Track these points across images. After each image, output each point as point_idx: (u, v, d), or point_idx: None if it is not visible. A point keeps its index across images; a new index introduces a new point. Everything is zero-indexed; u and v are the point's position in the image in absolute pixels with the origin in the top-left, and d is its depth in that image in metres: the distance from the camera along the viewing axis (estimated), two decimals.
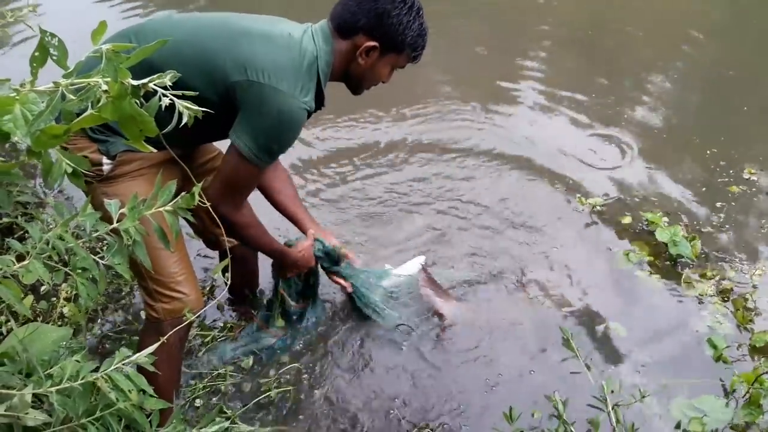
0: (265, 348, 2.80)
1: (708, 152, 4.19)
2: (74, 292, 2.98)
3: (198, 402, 2.58)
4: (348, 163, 4.14)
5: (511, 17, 6.48)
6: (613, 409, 2.29)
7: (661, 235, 3.28)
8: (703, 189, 3.88)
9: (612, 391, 2.19)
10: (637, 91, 5.05)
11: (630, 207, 3.70)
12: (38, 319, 2.84)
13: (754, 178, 3.92)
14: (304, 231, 2.63)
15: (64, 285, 3.01)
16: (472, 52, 5.77)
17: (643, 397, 2.37)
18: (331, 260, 2.68)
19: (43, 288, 3.02)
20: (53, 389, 1.37)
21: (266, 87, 1.87)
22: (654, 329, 2.91)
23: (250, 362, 2.77)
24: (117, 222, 1.46)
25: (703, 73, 5.42)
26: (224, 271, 2.18)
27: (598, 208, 3.65)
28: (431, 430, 2.47)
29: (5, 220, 3.30)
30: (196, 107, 1.13)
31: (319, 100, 2.08)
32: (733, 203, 3.74)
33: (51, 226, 1.49)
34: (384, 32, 2.03)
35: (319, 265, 2.70)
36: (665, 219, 3.47)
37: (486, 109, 4.79)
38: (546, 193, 3.86)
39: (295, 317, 2.85)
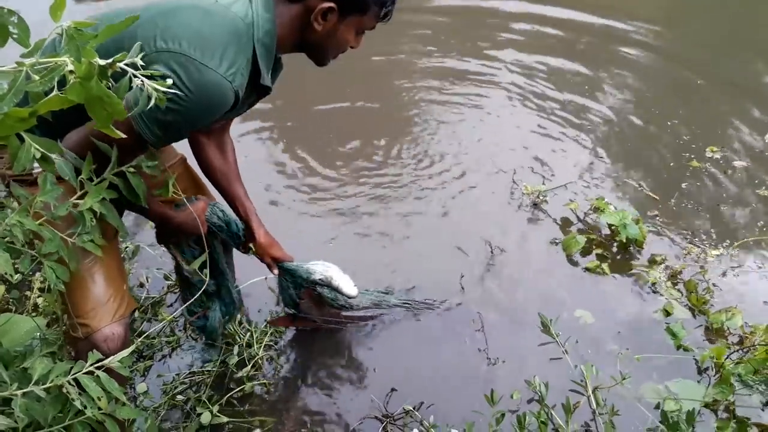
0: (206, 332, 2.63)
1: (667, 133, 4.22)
2: (48, 282, 2.88)
3: (179, 398, 2.48)
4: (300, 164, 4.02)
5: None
6: (593, 392, 2.28)
7: (610, 219, 3.18)
8: (645, 172, 3.89)
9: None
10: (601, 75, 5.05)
11: (575, 193, 3.65)
12: (11, 310, 2.74)
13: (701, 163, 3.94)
14: (237, 212, 2.32)
15: (37, 275, 2.93)
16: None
17: (624, 379, 2.36)
18: (232, 237, 2.33)
19: (15, 277, 2.92)
20: (18, 392, 1.28)
21: (177, 54, 1.51)
22: (614, 316, 2.86)
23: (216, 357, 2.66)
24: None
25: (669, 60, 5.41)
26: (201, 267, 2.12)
27: (542, 196, 3.54)
28: (411, 416, 2.42)
29: None
30: (167, 88, 1.05)
31: (261, 78, 1.77)
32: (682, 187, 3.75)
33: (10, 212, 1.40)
34: None
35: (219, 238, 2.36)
36: (611, 205, 3.36)
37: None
38: (490, 184, 3.77)
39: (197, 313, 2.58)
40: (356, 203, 3.60)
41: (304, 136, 4.26)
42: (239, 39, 1.62)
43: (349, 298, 2.53)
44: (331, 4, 1.69)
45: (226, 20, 1.61)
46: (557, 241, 3.29)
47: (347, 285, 2.50)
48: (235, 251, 2.51)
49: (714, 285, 3.00)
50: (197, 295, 2.33)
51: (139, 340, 2.30)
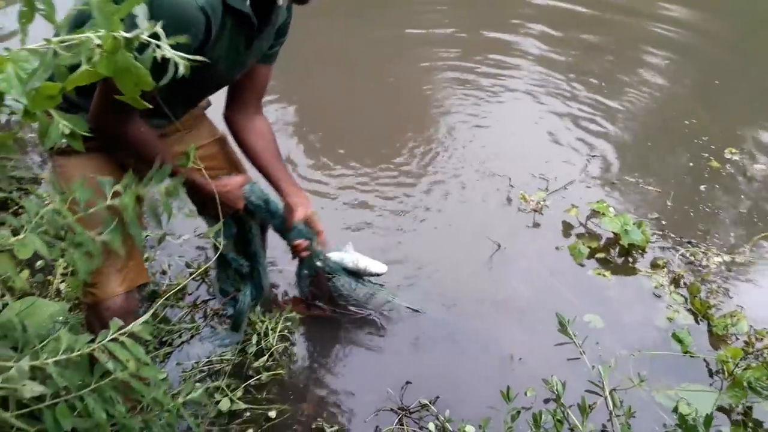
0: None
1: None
2: (71, 268, 2.92)
3: (198, 385, 2.50)
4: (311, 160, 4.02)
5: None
6: (610, 393, 2.27)
7: (612, 225, 3.15)
8: (645, 175, 3.85)
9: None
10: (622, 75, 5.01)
11: (575, 198, 3.59)
12: (34, 294, 2.78)
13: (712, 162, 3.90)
14: (279, 191, 2.32)
15: (60, 260, 2.96)
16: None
17: (642, 381, 2.35)
18: (272, 216, 2.34)
19: (38, 263, 2.96)
20: (50, 361, 1.33)
21: None
22: (620, 321, 2.84)
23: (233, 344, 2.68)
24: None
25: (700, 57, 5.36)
26: (216, 236, 2.11)
27: (542, 203, 3.49)
28: (426, 409, 2.42)
29: (0, 194, 3.26)
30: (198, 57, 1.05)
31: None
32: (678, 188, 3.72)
33: (47, 201, 1.44)
34: None
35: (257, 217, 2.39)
36: (611, 208, 3.33)
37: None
38: (492, 190, 3.72)
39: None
40: (359, 202, 3.59)
41: (313, 131, 4.28)
42: None
43: (379, 275, 2.61)
44: None
45: None
46: (561, 246, 3.25)
47: (374, 264, 2.58)
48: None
49: (718, 288, 2.98)
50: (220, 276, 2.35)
51: (158, 302, 2.32)
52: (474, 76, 5.00)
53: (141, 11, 0.98)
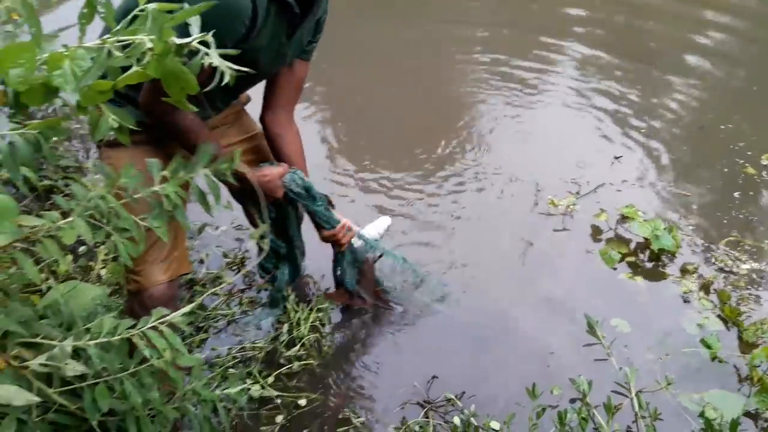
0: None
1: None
2: (112, 255, 3.00)
3: (231, 371, 2.56)
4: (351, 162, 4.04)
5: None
6: (636, 395, 2.28)
7: (642, 229, 3.14)
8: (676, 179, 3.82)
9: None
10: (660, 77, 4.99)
11: (604, 203, 3.54)
12: (76, 278, 2.86)
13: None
14: None
15: (101, 247, 3.05)
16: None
17: (669, 384, 2.36)
18: (313, 200, 2.39)
19: (81, 249, 3.05)
20: (92, 342, 1.39)
21: None
22: (649, 326, 2.82)
23: (270, 323, 2.78)
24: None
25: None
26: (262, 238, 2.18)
27: (572, 207, 3.48)
28: (452, 404, 2.46)
29: (46, 182, 3.35)
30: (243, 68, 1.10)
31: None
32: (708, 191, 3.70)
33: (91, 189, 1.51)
34: None
35: (299, 207, 2.48)
36: (641, 213, 3.31)
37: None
38: (518, 192, 3.72)
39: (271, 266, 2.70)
40: (386, 200, 3.63)
41: (345, 129, 4.34)
42: None
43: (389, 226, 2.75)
44: None
45: None
46: (591, 250, 3.25)
47: (380, 223, 2.73)
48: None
49: (749, 296, 2.95)
50: (262, 256, 2.43)
51: (204, 295, 2.38)
52: (508, 78, 5.00)
53: (195, 21, 1.02)
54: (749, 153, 3.98)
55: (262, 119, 2.31)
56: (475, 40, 5.75)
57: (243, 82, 2.06)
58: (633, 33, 5.94)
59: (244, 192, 2.32)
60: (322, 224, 2.47)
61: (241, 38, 1.73)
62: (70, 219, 1.40)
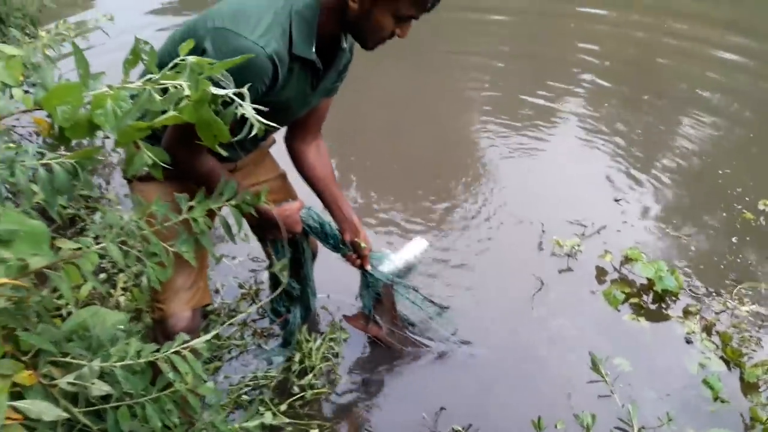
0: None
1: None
2: (132, 283, 3.08)
3: (244, 398, 2.62)
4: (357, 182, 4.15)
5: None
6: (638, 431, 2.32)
7: (646, 271, 3.17)
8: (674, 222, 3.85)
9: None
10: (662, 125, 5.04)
11: (608, 244, 3.58)
12: (96, 304, 2.92)
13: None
14: (333, 215, 2.45)
15: (121, 275, 3.12)
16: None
17: (670, 420, 2.39)
18: (327, 237, 2.47)
19: (101, 275, 3.12)
20: (118, 364, 1.45)
21: (219, 30, 1.66)
22: (652, 365, 2.85)
23: (281, 360, 2.80)
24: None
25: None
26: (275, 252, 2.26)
27: (576, 248, 3.51)
28: None
29: (69, 210, 3.44)
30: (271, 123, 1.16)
31: (294, 47, 1.78)
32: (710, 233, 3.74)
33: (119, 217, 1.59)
34: None
35: (310, 238, 2.53)
36: (644, 254, 3.34)
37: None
38: (523, 234, 3.75)
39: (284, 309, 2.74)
40: (397, 238, 3.66)
41: (354, 167, 4.41)
42: (275, 9, 1.71)
43: (426, 249, 2.73)
44: None
45: (273, 1, 1.73)
46: (595, 290, 3.27)
47: (415, 246, 2.72)
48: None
49: (750, 338, 2.97)
50: (278, 291, 2.44)
51: (225, 325, 2.43)
52: (516, 116, 5.09)
53: (229, 76, 1.10)
54: (747, 199, 4.01)
55: (289, 146, 2.36)
56: (483, 76, 5.87)
57: (271, 128, 2.15)
58: (642, 71, 6.04)
59: (263, 227, 2.38)
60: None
61: (264, 93, 1.77)
62: (102, 244, 1.46)
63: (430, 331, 2.88)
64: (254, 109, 1.12)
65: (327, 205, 2.45)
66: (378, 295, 2.65)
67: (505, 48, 6.52)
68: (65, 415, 1.34)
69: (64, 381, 1.40)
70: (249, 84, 1.28)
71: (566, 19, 7.28)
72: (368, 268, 2.56)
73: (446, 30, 6.78)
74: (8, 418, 1.22)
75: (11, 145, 1.39)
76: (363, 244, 2.45)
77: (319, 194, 2.42)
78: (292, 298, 2.68)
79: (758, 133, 4.89)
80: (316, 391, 2.65)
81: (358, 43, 1.92)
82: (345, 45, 1.97)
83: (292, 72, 1.83)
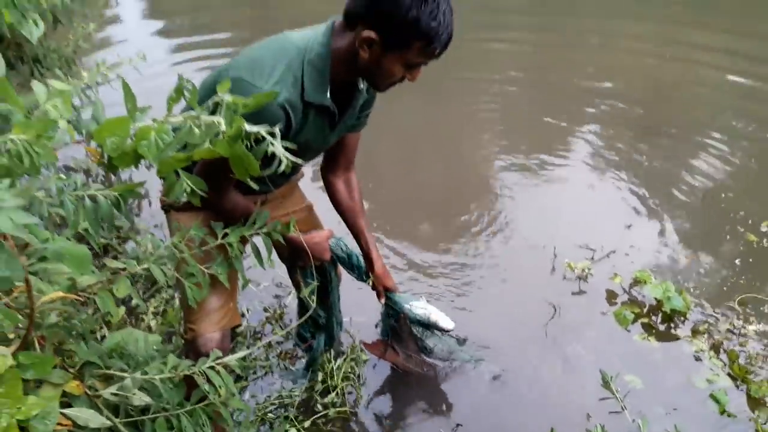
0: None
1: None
2: (162, 308, 3.18)
3: (270, 415, 2.69)
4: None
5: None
6: None
7: (654, 291, 3.23)
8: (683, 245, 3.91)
9: None
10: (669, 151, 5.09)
11: (617, 267, 3.64)
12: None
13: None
14: (360, 248, 2.51)
15: (152, 300, 3.23)
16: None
17: None
18: (353, 268, 2.54)
19: (133, 302, 3.22)
20: (158, 377, 1.54)
21: (236, 80, 1.71)
22: (662, 383, 2.89)
23: (304, 381, 2.86)
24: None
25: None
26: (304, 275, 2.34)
27: (587, 271, 3.57)
28: None
29: (103, 240, 3.55)
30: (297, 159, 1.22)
31: (306, 95, 1.84)
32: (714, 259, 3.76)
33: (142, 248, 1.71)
34: (382, 22, 1.73)
35: (339, 268, 2.59)
36: (653, 276, 3.40)
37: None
38: (536, 258, 3.80)
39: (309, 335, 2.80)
40: (412, 265, 3.73)
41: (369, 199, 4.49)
42: (288, 60, 1.79)
43: (446, 331, 2.66)
44: (372, 34, 1.75)
45: (278, 45, 1.82)
46: (606, 312, 3.32)
47: (444, 320, 2.63)
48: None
49: (756, 355, 3.00)
50: (306, 317, 2.51)
51: (256, 347, 2.49)
52: (530, 147, 5.17)
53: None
54: (750, 222, 4.05)
55: (324, 177, 2.44)
56: (495, 110, 5.96)
57: (297, 164, 2.25)
58: (655, 99, 6.14)
59: (292, 256, 2.46)
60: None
61: (281, 137, 1.85)
62: (144, 266, 1.56)
63: (446, 355, 2.91)
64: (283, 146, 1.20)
65: (354, 237, 2.52)
66: (396, 322, 2.70)
67: (512, 85, 6.58)
68: (108, 423, 1.42)
69: (108, 392, 1.49)
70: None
71: (579, 49, 7.45)
72: (381, 300, 2.61)
73: (459, 56, 6.87)
74: (59, 424, 1.31)
75: (62, 176, 1.48)
76: (370, 281, 2.54)
77: (348, 226, 2.50)
78: (318, 325, 2.74)
79: (757, 160, 4.94)
80: (338, 409, 2.71)
81: (371, 86, 1.99)
82: (362, 86, 2.02)
83: (308, 116, 1.90)
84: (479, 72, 6.80)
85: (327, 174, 2.43)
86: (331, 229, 2.46)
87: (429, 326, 2.66)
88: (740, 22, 8.22)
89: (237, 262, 1.76)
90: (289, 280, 2.81)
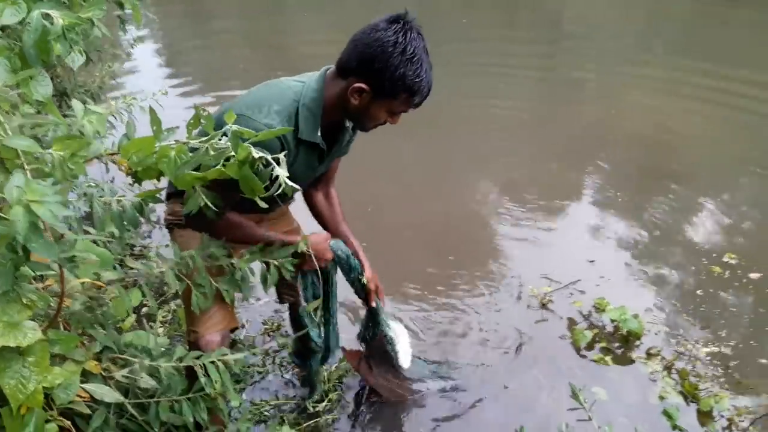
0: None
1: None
2: (170, 316, 3.33)
3: (266, 414, 2.81)
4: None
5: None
6: None
7: (611, 313, 3.38)
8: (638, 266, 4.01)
9: None
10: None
11: (578, 293, 3.78)
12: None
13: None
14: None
15: (159, 311, 3.37)
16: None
17: None
18: (351, 269, 2.51)
19: (143, 310, 3.36)
20: (163, 364, 1.68)
21: (240, 116, 1.82)
22: (621, 398, 3.01)
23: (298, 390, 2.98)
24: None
25: None
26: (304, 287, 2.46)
27: (548, 297, 3.70)
28: None
29: (118, 255, 3.69)
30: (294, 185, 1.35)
31: (300, 132, 1.99)
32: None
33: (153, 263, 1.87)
34: (373, 77, 1.92)
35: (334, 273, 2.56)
36: (611, 305, 3.51)
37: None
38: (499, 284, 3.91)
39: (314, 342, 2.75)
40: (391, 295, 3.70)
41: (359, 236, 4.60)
42: (284, 100, 1.96)
43: (399, 367, 2.77)
44: (363, 85, 1.94)
45: (276, 89, 2.00)
46: (566, 336, 3.44)
47: (404, 356, 2.74)
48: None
49: (705, 375, 3.12)
50: (301, 333, 2.60)
51: (253, 352, 2.65)
52: (516, 196, 5.13)
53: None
54: (714, 255, 4.17)
55: (304, 193, 2.56)
56: (489, 154, 5.98)
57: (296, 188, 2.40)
58: (654, 147, 6.14)
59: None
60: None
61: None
62: (164, 269, 1.71)
63: (420, 376, 3.01)
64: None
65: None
66: (372, 339, 2.74)
67: (508, 125, 6.64)
68: (122, 398, 1.56)
69: (120, 374, 1.63)
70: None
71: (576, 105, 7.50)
72: (373, 304, 2.63)
73: (456, 94, 7.08)
74: (78, 396, 1.45)
75: (92, 183, 1.64)
76: (365, 281, 2.56)
77: (332, 233, 2.55)
78: (316, 343, 2.71)
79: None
80: (331, 415, 2.83)
81: (357, 128, 2.19)
82: (348, 125, 2.20)
83: (299, 153, 2.07)
84: (476, 111, 6.91)
85: (308, 189, 2.56)
86: (329, 233, 2.52)
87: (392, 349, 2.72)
88: (740, 69, 8.30)
89: (244, 284, 1.94)
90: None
